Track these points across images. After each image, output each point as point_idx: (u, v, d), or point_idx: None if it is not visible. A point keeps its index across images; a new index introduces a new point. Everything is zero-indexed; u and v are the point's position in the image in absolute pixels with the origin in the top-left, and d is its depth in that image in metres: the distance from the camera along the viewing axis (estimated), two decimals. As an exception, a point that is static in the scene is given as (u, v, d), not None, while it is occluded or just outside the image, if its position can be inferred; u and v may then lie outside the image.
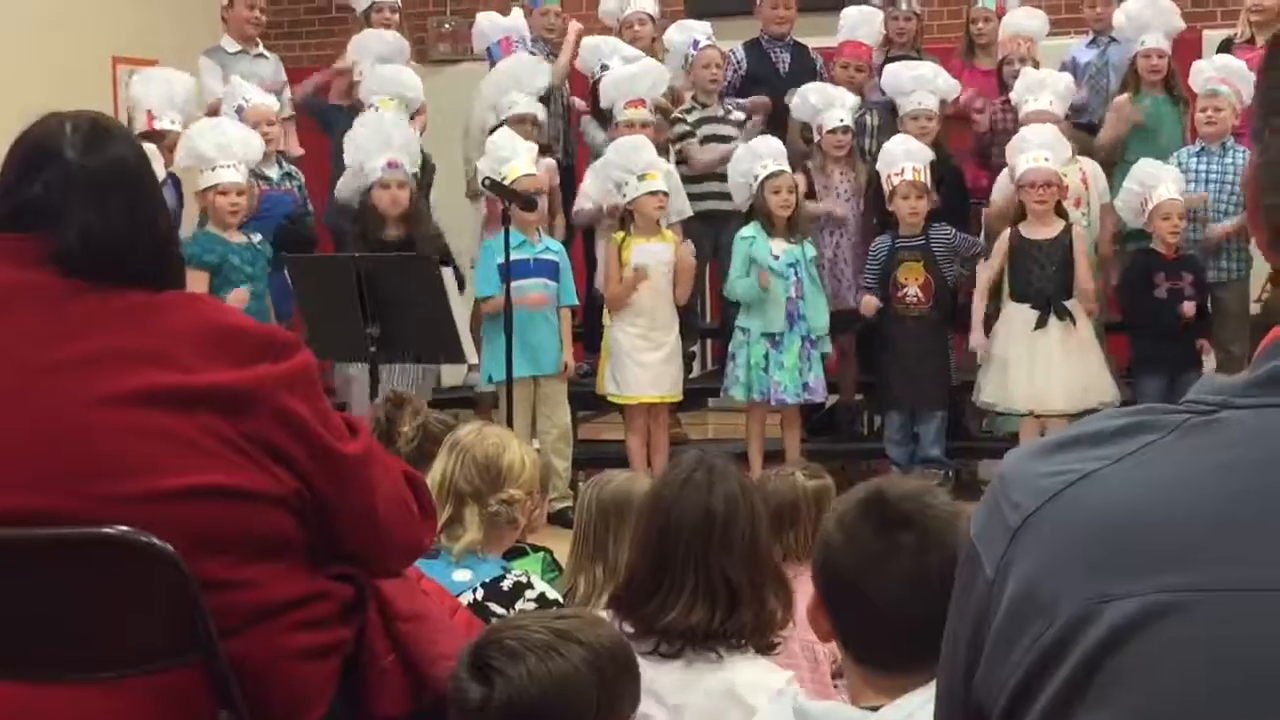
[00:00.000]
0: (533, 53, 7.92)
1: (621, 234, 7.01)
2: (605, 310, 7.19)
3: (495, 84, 7.56)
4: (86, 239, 1.98)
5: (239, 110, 7.16)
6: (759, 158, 7.12)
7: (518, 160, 6.78)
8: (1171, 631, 0.86)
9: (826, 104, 7.45)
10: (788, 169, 7.13)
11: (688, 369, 7.60)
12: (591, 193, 7.45)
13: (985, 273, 7.16)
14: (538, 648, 1.93)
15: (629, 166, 6.92)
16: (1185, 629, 0.85)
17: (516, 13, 8.20)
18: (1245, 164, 1.04)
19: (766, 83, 8.01)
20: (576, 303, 7.19)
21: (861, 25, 7.90)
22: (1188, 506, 0.89)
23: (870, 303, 7.11)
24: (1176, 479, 0.90)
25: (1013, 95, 7.48)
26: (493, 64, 7.82)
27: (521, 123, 7.25)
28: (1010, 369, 7.02)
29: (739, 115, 7.84)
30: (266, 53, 8.02)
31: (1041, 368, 6.94)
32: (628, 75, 7.43)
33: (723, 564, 2.37)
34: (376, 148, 6.80)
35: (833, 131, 7.43)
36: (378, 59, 7.70)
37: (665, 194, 7.00)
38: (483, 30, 8.11)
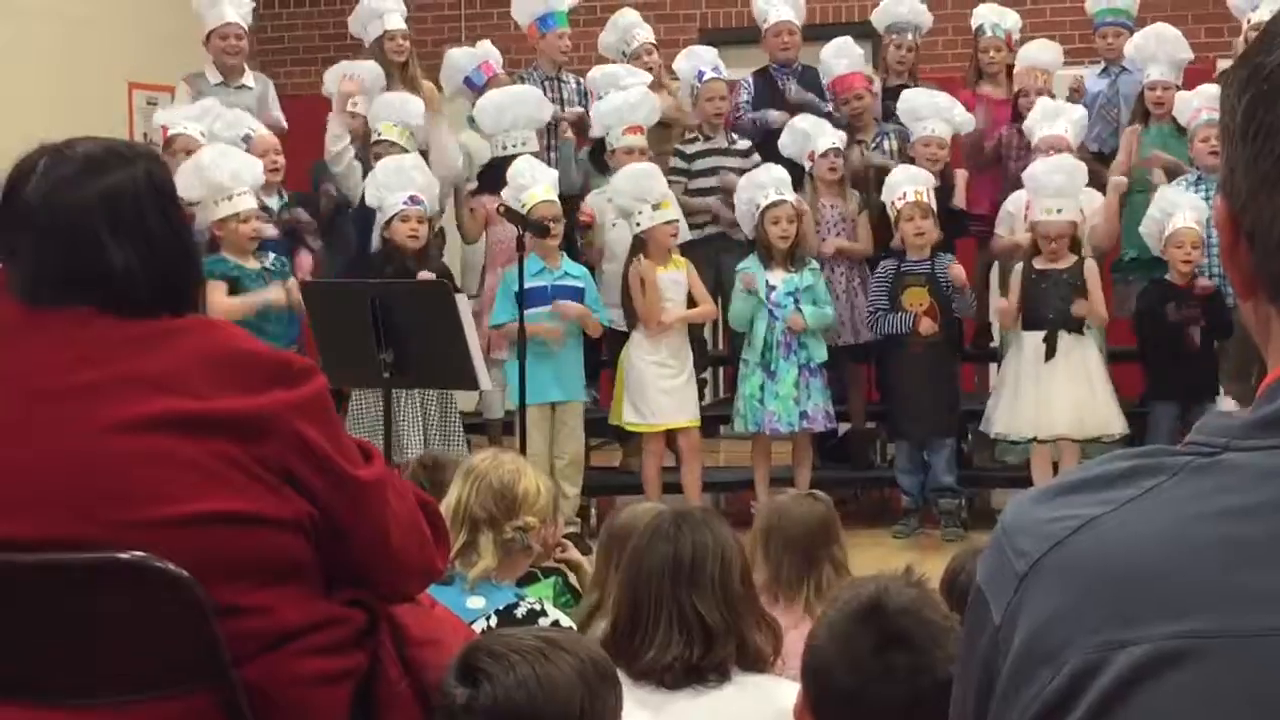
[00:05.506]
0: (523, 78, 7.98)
1: (644, 260, 7.00)
2: (621, 338, 7.19)
3: (493, 115, 7.48)
4: (58, 269, 1.98)
5: (246, 139, 7.16)
6: (760, 187, 7.12)
7: (537, 188, 6.81)
8: (1184, 677, 0.85)
9: (818, 130, 7.42)
10: (789, 198, 7.10)
11: (700, 396, 7.61)
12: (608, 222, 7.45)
13: (1011, 296, 7.13)
14: (527, 653, 1.93)
15: (643, 195, 6.92)
16: (1198, 675, 0.85)
17: (484, 43, 8.17)
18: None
19: (775, 109, 7.97)
20: (610, 319, 7.17)
21: (844, 56, 7.84)
22: (1193, 552, 0.88)
23: (928, 324, 7.06)
24: (1181, 524, 0.90)
25: (1027, 124, 7.48)
26: (475, 91, 7.79)
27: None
28: (1020, 397, 7.02)
29: (744, 145, 7.85)
30: (251, 83, 7.79)
31: (1046, 393, 6.93)
32: (625, 102, 7.41)
33: (693, 601, 2.49)
34: (399, 184, 6.82)
35: (824, 155, 7.40)
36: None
37: (677, 221, 7.03)
38: (455, 64, 8.03)
